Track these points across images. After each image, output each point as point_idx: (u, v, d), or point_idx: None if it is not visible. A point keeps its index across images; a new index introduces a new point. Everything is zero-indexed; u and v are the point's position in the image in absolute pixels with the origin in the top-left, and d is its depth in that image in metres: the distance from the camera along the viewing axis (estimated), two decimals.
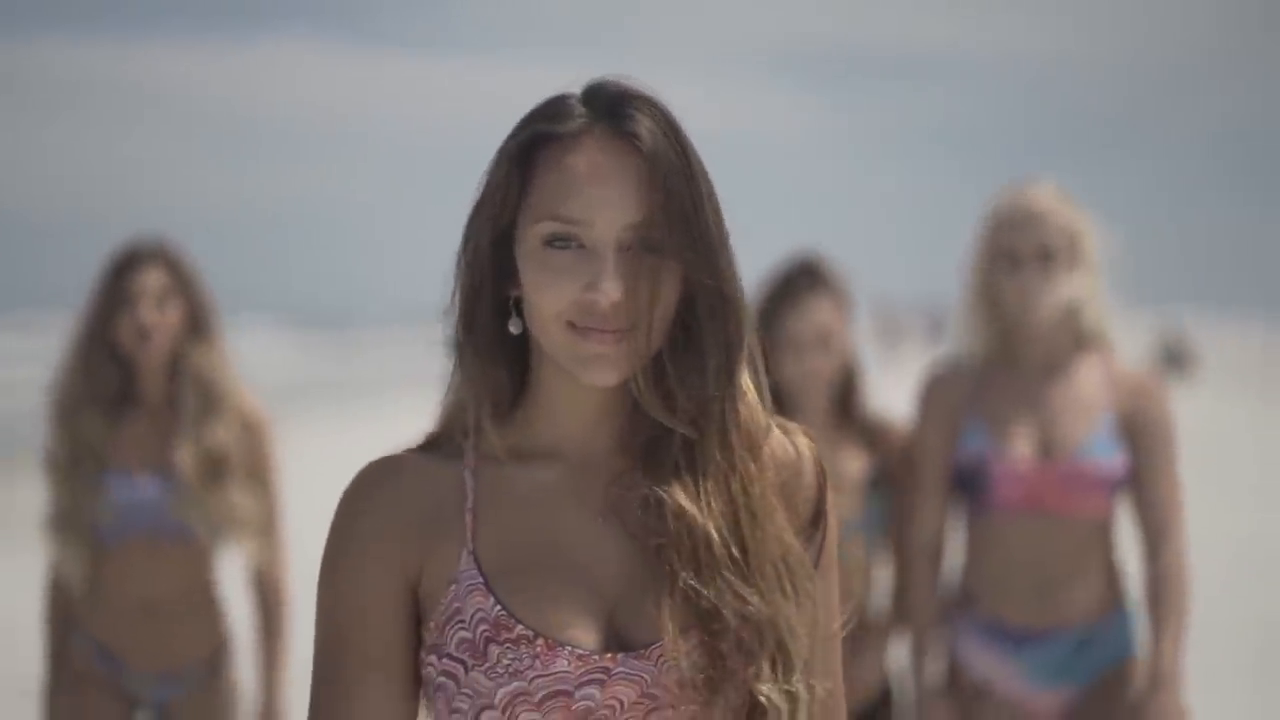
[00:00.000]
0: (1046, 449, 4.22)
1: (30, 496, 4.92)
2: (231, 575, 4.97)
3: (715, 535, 1.95)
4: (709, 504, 1.97)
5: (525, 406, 2.02)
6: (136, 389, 4.77)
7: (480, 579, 1.96)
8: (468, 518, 1.99)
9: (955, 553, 4.43)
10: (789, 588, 1.96)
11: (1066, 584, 4.23)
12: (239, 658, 4.87)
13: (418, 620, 1.99)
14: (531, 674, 1.92)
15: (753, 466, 2.00)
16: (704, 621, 1.93)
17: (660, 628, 1.92)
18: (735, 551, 1.95)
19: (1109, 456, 4.21)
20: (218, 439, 4.68)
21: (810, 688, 1.97)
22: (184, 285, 4.79)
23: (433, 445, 2.04)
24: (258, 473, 4.75)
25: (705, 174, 1.99)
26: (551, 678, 1.92)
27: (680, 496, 1.96)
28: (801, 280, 4.58)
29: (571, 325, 1.94)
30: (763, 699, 1.94)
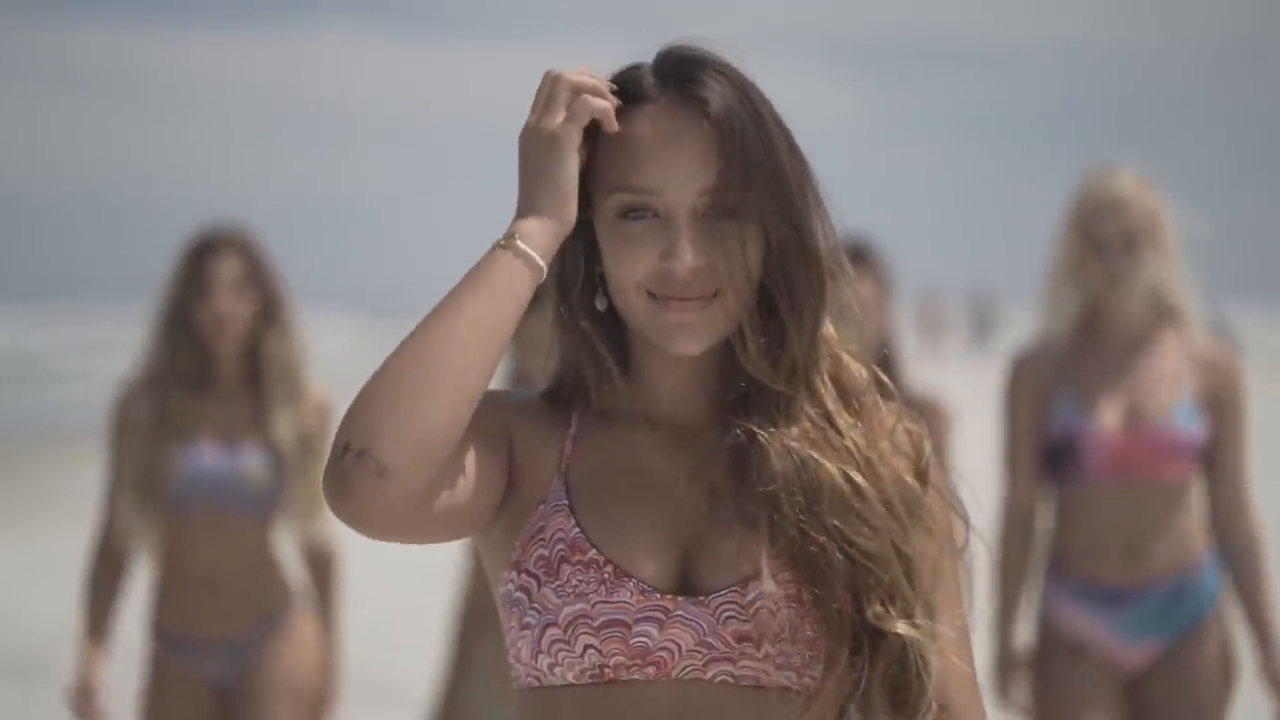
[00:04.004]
0: (1134, 418, 4.45)
1: (95, 478, 5.15)
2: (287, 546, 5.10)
3: (825, 479, 1.94)
4: (809, 450, 1.95)
5: (624, 373, 2.02)
6: (212, 370, 4.88)
7: (565, 501, 1.98)
8: (568, 444, 2.01)
9: (1045, 519, 4.64)
10: (906, 526, 1.95)
11: (1155, 544, 4.45)
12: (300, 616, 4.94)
13: (500, 486, 1.99)
14: (595, 598, 1.93)
15: (847, 415, 2.00)
16: (810, 568, 1.92)
17: (747, 564, 1.92)
18: (848, 492, 1.94)
19: (1191, 424, 4.44)
20: (307, 419, 4.83)
21: (933, 629, 1.95)
22: (259, 273, 4.89)
23: (546, 397, 2.07)
24: (319, 456, 4.80)
25: (783, 131, 1.97)
26: (612, 606, 1.93)
27: (785, 443, 1.95)
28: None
29: (651, 295, 1.94)
30: (893, 636, 1.92)
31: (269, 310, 4.90)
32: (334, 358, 4.87)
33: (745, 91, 1.96)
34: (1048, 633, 4.56)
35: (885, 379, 2.07)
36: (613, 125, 1.95)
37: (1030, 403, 4.56)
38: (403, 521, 1.89)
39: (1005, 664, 4.61)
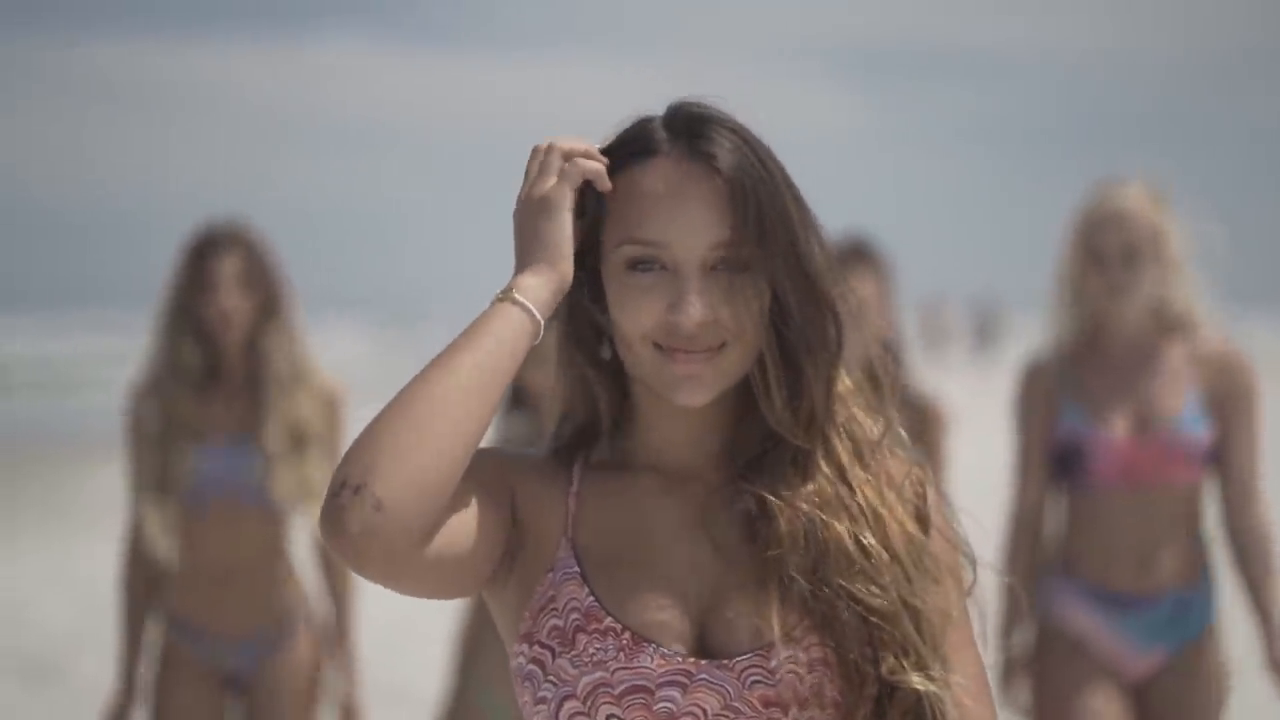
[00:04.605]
0: (1141, 426, 4.47)
1: (111, 484, 5.16)
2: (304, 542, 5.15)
3: (832, 540, 1.95)
4: (818, 512, 1.96)
5: (626, 422, 2.04)
6: (218, 365, 4.92)
7: (576, 569, 1.97)
8: (571, 502, 2.02)
9: (1054, 521, 4.65)
10: (913, 579, 1.96)
11: (1165, 550, 4.48)
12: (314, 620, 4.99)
13: (502, 538, 1.99)
14: (615, 665, 1.92)
15: (859, 470, 2.00)
16: (824, 627, 1.93)
17: (767, 628, 1.92)
18: (855, 552, 1.95)
19: (1198, 430, 4.47)
20: (300, 413, 4.86)
21: (946, 679, 1.96)
22: (261, 268, 4.93)
23: (549, 453, 2.08)
24: (333, 444, 4.90)
25: (792, 188, 1.98)
26: (633, 672, 1.91)
27: (796, 505, 1.96)
28: (846, 256, 4.79)
29: (657, 346, 1.95)
30: (909, 689, 1.93)
31: (270, 304, 4.94)
32: (348, 364, 4.91)
33: (754, 148, 1.98)
34: (1051, 630, 4.59)
35: (899, 430, 2.08)
36: (605, 184, 1.99)
37: (1040, 411, 4.60)
38: (400, 561, 1.88)
39: (1007, 666, 4.64)
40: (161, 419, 4.86)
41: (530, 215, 1.98)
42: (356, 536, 1.85)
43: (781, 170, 1.98)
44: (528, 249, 1.97)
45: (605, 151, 2.01)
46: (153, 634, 4.94)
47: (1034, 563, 4.64)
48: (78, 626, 10.06)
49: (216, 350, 4.93)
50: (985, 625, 2.06)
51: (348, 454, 1.88)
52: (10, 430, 25.07)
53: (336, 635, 5.00)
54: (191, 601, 4.88)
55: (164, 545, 4.84)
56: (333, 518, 1.86)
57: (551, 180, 1.97)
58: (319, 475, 4.84)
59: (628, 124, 2.02)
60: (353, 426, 5.05)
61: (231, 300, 4.88)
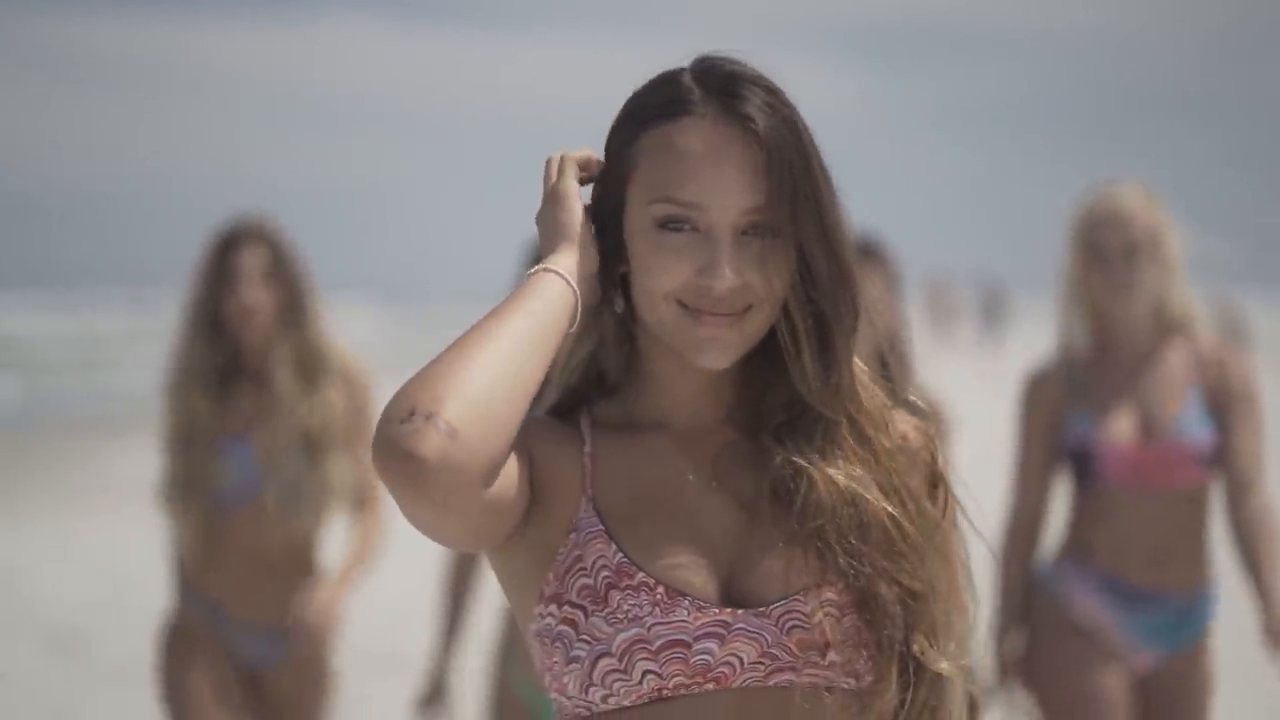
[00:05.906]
0: (1146, 430, 4.53)
1: (138, 465, 5.19)
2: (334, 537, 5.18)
3: (873, 518, 1.96)
4: (856, 486, 1.97)
5: (634, 379, 2.05)
6: (243, 362, 4.93)
7: (600, 526, 1.97)
8: (587, 462, 2.01)
9: (1061, 515, 4.67)
10: (935, 559, 1.98)
11: (1175, 551, 4.54)
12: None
13: (523, 503, 1.98)
14: (651, 621, 1.91)
15: (885, 441, 2.02)
16: (861, 604, 1.94)
17: (798, 574, 1.94)
18: (895, 533, 1.96)
19: (1200, 431, 4.52)
20: (319, 417, 4.87)
21: (968, 666, 2.00)
22: (284, 264, 4.92)
23: (553, 412, 2.08)
24: (359, 430, 4.89)
25: (819, 153, 1.98)
26: (670, 626, 1.91)
27: (833, 475, 1.97)
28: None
29: (683, 305, 1.95)
30: (933, 673, 1.96)
31: (294, 299, 4.94)
32: (348, 345, 4.98)
33: (787, 109, 1.97)
34: (1058, 615, 4.61)
35: (923, 399, 2.14)
36: (593, 165, 2.05)
37: (1043, 419, 4.65)
38: (460, 495, 1.85)
39: (1002, 667, 4.66)
40: (187, 418, 4.88)
41: (548, 211, 2.01)
42: (429, 461, 1.80)
43: (809, 132, 1.98)
44: (551, 237, 2.00)
45: (632, 107, 2.02)
46: (181, 613, 4.96)
47: (1029, 566, 4.68)
48: (91, 601, 10.14)
49: (240, 347, 4.93)
50: (980, 616, 2.09)
51: (406, 388, 1.84)
52: None
53: (342, 570, 4.95)
54: (217, 587, 4.90)
55: (190, 543, 4.88)
56: (401, 443, 1.81)
57: (553, 178, 2.02)
58: (336, 472, 4.86)
59: (653, 80, 2.02)
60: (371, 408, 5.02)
61: (254, 295, 4.88)
